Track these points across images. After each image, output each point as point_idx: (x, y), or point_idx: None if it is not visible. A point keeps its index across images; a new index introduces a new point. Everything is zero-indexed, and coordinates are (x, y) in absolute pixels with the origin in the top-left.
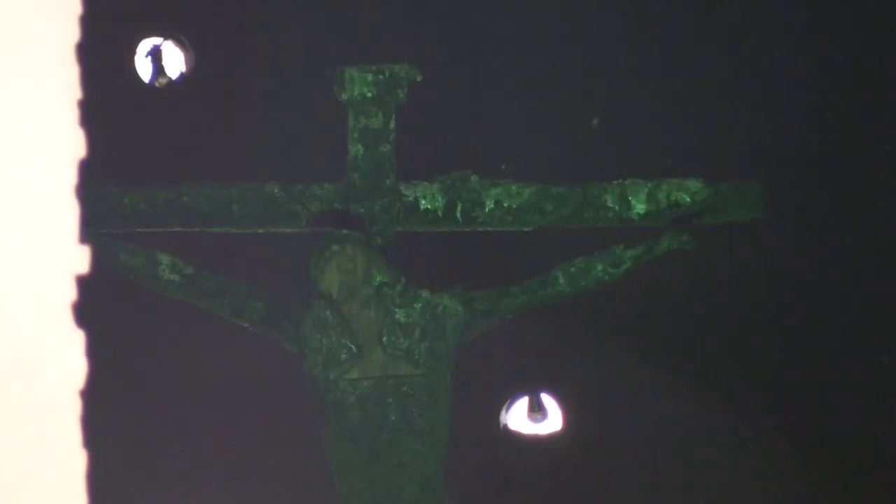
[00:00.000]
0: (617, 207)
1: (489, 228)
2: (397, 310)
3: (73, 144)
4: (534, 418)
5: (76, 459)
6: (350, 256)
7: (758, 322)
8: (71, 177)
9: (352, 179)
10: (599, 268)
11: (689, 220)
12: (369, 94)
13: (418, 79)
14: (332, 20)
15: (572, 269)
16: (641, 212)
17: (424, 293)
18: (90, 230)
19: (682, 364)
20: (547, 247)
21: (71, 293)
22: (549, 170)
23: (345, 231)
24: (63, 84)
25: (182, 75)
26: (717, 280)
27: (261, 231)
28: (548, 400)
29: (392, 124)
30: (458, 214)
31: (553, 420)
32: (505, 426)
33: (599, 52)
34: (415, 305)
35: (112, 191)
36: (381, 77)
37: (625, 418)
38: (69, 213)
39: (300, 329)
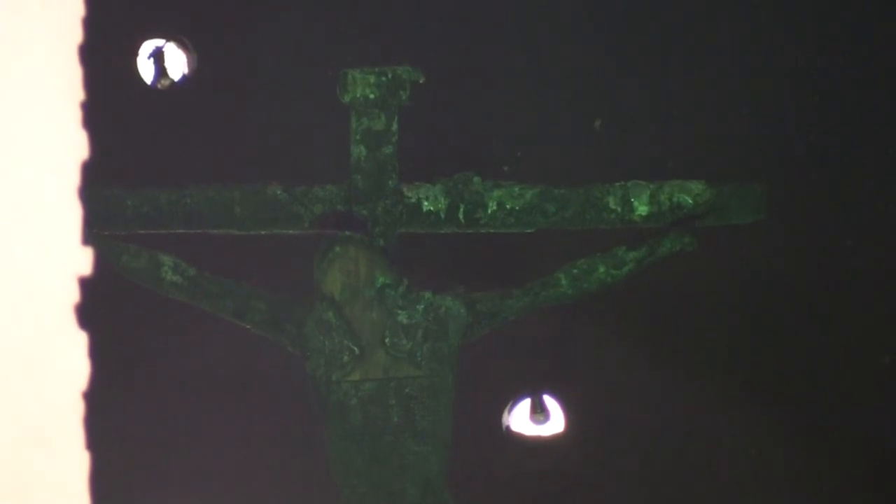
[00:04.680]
0: (619, 209)
1: (491, 230)
2: (400, 311)
3: (75, 146)
4: (536, 420)
5: (79, 460)
6: (352, 258)
7: (760, 324)
8: (74, 179)
9: (354, 181)
10: (602, 269)
11: (692, 222)
12: (372, 96)
13: (421, 80)
14: (335, 22)
15: (574, 271)
16: (644, 213)
17: (427, 294)
18: (93, 232)
19: (684, 366)
20: (549, 248)
21: (74, 295)
22: (552, 171)
23: (347, 233)
24: (66, 86)
25: (184, 77)
26: (718, 282)
27: (263, 233)
28: (550, 402)
29: (394, 126)
30: (461, 216)
31: (555, 422)
32: (507, 428)
33: (602, 53)
34: (417, 307)
35: (115, 193)
36: (383, 79)
37: (627, 420)
38: (72, 215)
39: (302, 331)
